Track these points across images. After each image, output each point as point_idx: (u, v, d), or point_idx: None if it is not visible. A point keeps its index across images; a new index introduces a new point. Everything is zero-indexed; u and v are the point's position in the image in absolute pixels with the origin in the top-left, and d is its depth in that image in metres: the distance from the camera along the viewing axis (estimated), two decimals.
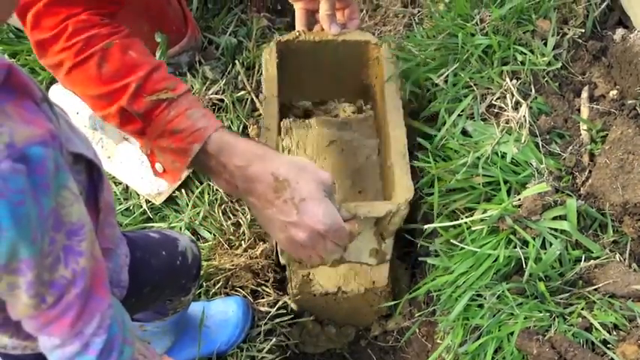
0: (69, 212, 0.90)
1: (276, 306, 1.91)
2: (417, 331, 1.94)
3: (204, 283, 1.90)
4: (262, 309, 1.89)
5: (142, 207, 2.02)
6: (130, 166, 2.08)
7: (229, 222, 2.00)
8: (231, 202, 2.04)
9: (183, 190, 2.03)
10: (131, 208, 2.04)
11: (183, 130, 1.37)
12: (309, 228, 1.38)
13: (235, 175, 1.38)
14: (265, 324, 1.87)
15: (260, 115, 2.21)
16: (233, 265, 1.91)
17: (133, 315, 1.47)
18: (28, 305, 0.90)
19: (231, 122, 2.16)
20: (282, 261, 1.87)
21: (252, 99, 2.22)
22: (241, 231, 1.99)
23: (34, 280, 0.87)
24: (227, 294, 1.90)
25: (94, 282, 0.97)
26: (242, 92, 2.22)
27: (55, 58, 1.40)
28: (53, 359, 1.00)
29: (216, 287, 1.91)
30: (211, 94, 2.18)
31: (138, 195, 2.05)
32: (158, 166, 1.52)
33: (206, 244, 1.95)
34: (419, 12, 2.30)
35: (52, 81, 2.22)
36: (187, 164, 1.39)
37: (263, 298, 1.92)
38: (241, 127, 2.17)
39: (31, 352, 1.18)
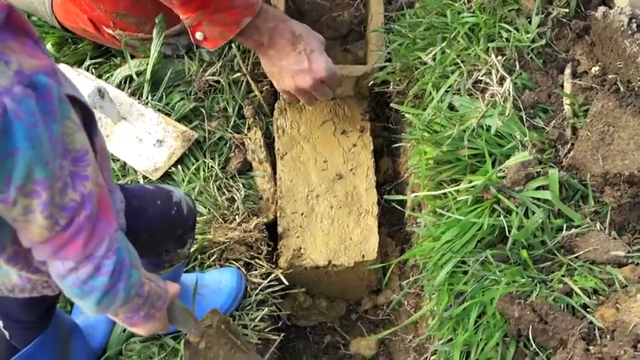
0: (73, 140, 0.96)
1: (269, 278, 1.95)
2: (406, 303, 1.99)
3: (198, 256, 1.96)
4: (255, 280, 1.94)
5: (139, 183, 2.08)
6: (128, 144, 2.14)
7: (224, 197, 2.05)
8: (226, 178, 2.10)
9: (179, 166, 2.09)
10: (129, 184, 2.08)
11: (239, 5, 1.75)
12: (314, 75, 1.87)
13: (265, 34, 1.82)
14: (257, 294, 1.92)
15: (255, 96, 2.27)
16: (227, 239, 1.96)
17: None
18: (43, 227, 0.95)
19: (227, 103, 2.22)
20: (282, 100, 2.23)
21: (247, 81, 2.27)
22: (235, 206, 2.04)
23: (48, 201, 0.92)
24: (221, 266, 1.95)
25: (101, 206, 1.02)
26: (238, 74, 2.27)
27: None
28: (66, 285, 1.06)
29: (211, 260, 1.96)
30: (208, 75, 2.24)
31: (135, 171, 2.10)
32: (199, 35, 1.83)
33: (201, 218, 2.00)
34: None
35: (54, 62, 2.28)
36: (236, 34, 1.79)
37: (256, 270, 1.97)
38: (237, 107, 2.23)
39: (37, 295, 1.23)
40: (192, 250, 1.92)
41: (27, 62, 0.86)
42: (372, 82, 2.15)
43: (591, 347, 1.48)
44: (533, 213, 1.63)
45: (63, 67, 2.20)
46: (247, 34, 1.82)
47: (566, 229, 1.64)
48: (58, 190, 0.93)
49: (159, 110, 2.19)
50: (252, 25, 1.79)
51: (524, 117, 1.74)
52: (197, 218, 1.96)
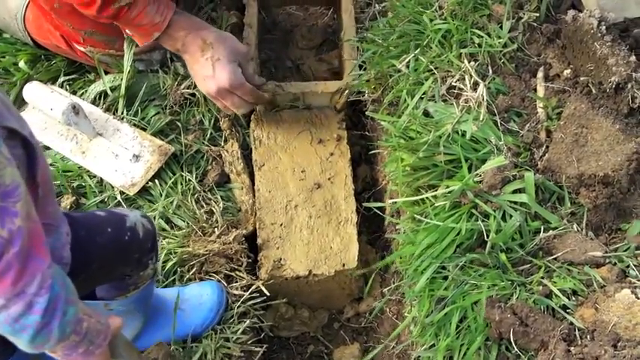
0: (2, 175, 0.94)
1: (250, 290, 1.95)
2: (388, 310, 1.99)
3: (178, 269, 1.95)
4: (236, 292, 1.93)
5: (116, 198, 2.06)
6: (104, 159, 2.12)
7: (202, 210, 2.04)
8: (204, 191, 2.09)
9: (156, 181, 2.08)
10: (106, 200, 2.07)
11: (145, 24, 1.92)
12: (218, 82, 1.96)
13: (178, 41, 1.97)
14: (239, 307, 1.91)
15: None
16: (207, 251, 1.96)
17: (86, 291, 1.51)
18: None
19: (203, 115, 2.22)
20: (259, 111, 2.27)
21: None
22: (214, 218, 2.03)
23: None
24: (201, 279, 1.94)
25: (33, 242, 1.00)
26: None
27: None
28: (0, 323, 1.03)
29: (191, 273, 1.95)
30: (183, 88, 2.23)
31: (112, 187, 2.09)
32: (127, 31, 2.04)
33: (180, 232, 2.00)
34: (383, 7, 2.37)
35: (28, 79, 2.27)
36: (150, 42, 1.98)
37: (236, 282, 1.96)
38: (213, 120, 2.22)
39: None
40: (170, 263, 1.92)
41: None
42: (346, 99, 2.22)
43: (572, 348, 1.49)
44: (511, 216, 1.64)
45: (36, 85, 2.18)
46: (162, 41, 2.00)
47: (543, 232, 1.65)
48: None
49: (134, 125, 2.18)
50: (165, 34, 1.96)
51: (498, 121, 1.76)
52: (177, 232, 1.98)
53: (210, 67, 1.95)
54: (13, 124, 1.04)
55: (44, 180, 1.16)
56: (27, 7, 2.20)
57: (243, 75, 2.00)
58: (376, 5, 2.39)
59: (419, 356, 1.68)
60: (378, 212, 2.03)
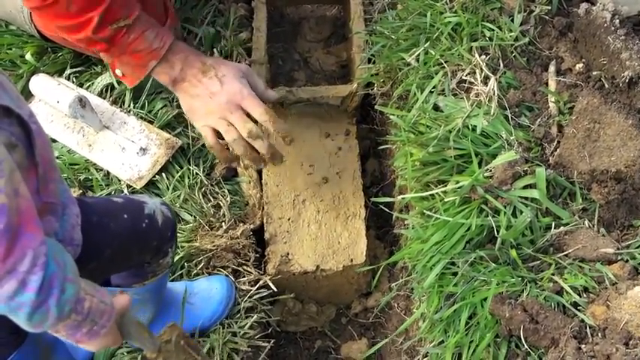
0: None
1: (257, 285, 1.93)
2: (396, 306, 1.98)
3: (185, 264, 1.93)
4: (243, 287, 1.92)
5: (123, 192, 2.05)
6: (111, 153, 2.11)
7: (209, 204, 2.03)
8: (211, 184, 2.08)
9: (163, 174, 2.06)
10: (113, 193, 2.06)
11: (142, 50, 1.76)
12: (229, 93, 1.77)
13: (176, 66, 1.80)
14: (246, 302, 1.90)
15: None
16: (214, 246, 1.94)
17: (103, 278, 1.49)
18: None
19: None
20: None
21: None
22: (221, 213, 2.02)
23: None
24: (209, 274, 1.93)
25: (22, 219, 0.98)
26: None
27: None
28: None
29: (198, 268, 1.93)
30: None
31: (119, 180, 2.08)
32: (118, 71, 1.85)
33: (187, 226, 1.98)
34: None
35: (34, 72, 2.25)
36: (145, 75, 1.80)
37: (244, 277, 1.95)
38: None
39: None
40: (177, 258, 1.90)
41: None
42: (357, 102, 2.19)
43: (583, 345, 1.47)
44: (521, 212, 1.62)
45: (43, 77, 2.17)
46: (157, 71, 1.81)
47: (554, 228, 1.64)
48: None
49: (141, 118, 2.16)
50: (163, 59, 1.79)
51: (509, 116, 1.74)
52: (184, 226, 1.96)
53: (218, 83, 1.79)
54: (7, 103, 1.02)
55: (44, 159, 1.14)
56: None
57: (255, 89, 1.83)
58: None
59: (427, 352, 1.67)
60: (386, 208, 2.02)
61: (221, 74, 1.79)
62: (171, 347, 1.43)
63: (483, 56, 1.82)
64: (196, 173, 2.07)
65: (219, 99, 1.77)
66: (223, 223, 2.00)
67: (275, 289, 1.95)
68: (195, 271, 1.93)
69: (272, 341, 1.94)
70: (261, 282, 1.95)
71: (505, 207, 1.62)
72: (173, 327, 1.46)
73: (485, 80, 1.78)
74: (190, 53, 1.83)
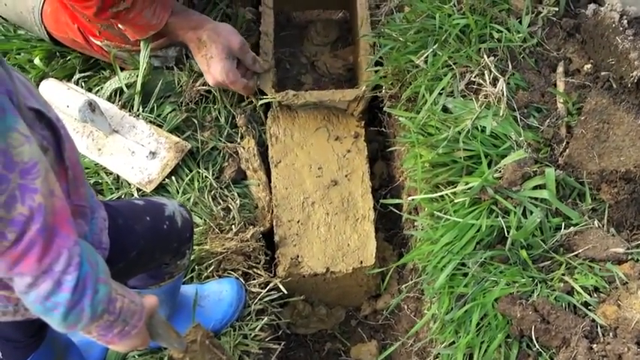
0: (20, 152, 0.93)
1: (267, 287, 1.94)
2: (406, 307, 1.98)
3: (196, 267, 1.94)
4: (253, 290, 1.92)
5: (133, 195, 2.06)
6: (121, 156, 2.12)
7: (219, 207, 2.03)
8: (221, 187, 2.08)
9: (173, 178, 2.07)
10: (123, 197, 2.07)
11: (142, 25, 2.03)
12: (214, 78, 2.10)
13: (179, 37, 2.11)
14: (256, 304, 1.90)
15: (247, 104, 2.26)
16: (224, 249, 1.95)
17: (126, 279, 1.50)
18: None
19: (219, 112, 2.21)
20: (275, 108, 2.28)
21: None
22: (231, 216, 2.02)
23: None
24: (219, 277, 1.93)
25: (57, 219, 0.99)
26: None
27: None
28: (29, 301, 1.02)
29: (209, 271, 1.94)
30: (198, 85, 2.22)
31: (129, 184, 2.09)
32: (121, 26, 2.07)
33: (197, 229, 1.99)
34: (399, 1, 2.35)
35: (43, 76, 2.27)
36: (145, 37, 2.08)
37: (254, 279, 1.95)
38: (229, 117, 2.22)
39: (22, 319, 1.21)
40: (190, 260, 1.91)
41: None
42: (364, 106, 2.21)
43: (594, 345, 1.48)
44: (531, 213, 1.63)
45: (52, 82, 2.18)
46: (161, 35, 2.12)
47: (564, 228, 1.64)
48: (3, 204, 0.91)
49: (150, 122, 2.17)
50: (165, 31, 2.10)
51: (518, 117, 1.74)
52: (194, 229, 1.97)
53: (206, 64, 2.10)
54: (38, 106, 1.03)
55: (73, 162, 1.15)
56: (45, 0, 2.20)
57: (244, 64, 2.14)
58: (392, 0, 2.37)
59: (439, 353, 1.67)
60: (395, 210, 2.02)
61: (209, 55, 2.08)
62: (197, 347, 1.45)
63: (492, 58, 1.82)
64: (206, 176, 2.08)
65: (208, 79, 2.13)
66: (233, 226, 2.00)
67: (285, 292, 1.95)
68: (205, 274, 1.94)
69: (282, 343, 1.95)
70: (271, 284, 1.95)
71: (515, 207, 1.63)
72: (198, 327, 1.47)
73: (494, 81, 1.79)
74: (188, 28, 2.09)
